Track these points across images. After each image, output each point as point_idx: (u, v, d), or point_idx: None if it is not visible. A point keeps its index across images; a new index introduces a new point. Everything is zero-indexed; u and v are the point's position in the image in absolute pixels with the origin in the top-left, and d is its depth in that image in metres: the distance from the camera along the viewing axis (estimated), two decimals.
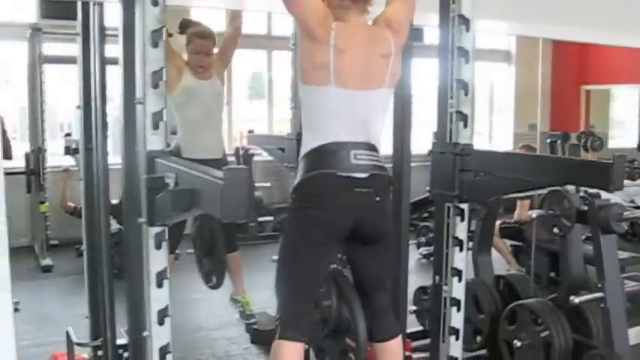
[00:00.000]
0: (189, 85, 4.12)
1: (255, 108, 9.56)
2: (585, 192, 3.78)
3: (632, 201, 7.55)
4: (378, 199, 2.51)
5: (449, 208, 2.88)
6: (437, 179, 2.90)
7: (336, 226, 2.49)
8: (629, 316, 4.05)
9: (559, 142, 6.95)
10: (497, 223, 6.06)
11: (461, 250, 2.86)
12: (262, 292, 4.45)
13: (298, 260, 2.53)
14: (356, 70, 2.43)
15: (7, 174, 1.80)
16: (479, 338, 3.88)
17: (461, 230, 2.87)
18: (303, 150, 2.52)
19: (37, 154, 6.69)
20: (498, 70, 11.27)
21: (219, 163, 3.97)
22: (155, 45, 2.10)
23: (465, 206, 2.86)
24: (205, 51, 4.20)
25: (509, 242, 6.09)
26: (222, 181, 1.59)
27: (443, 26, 2.87)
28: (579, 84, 11.12)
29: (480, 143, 10.98)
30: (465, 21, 2.79)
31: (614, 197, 7.02)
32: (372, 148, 2.51)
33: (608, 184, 2.14)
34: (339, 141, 2.44)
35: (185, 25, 4.25)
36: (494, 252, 5.88)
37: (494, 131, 11.50)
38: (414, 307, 4.06)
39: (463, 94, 2.81)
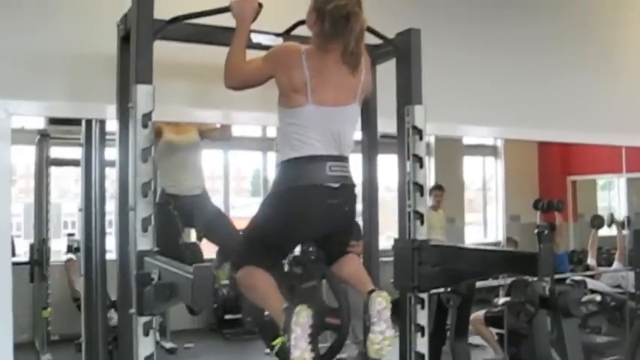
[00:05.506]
0: (169, 139, 4.56)
1: (256, 204, 9.91)
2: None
3: (619, 285, 7.71)
4: (347, 209, 2.75)
5: (410, 297, 3.12)
6: (399, 271, 3.16)
7: (306, 236, 2.76)
8: None
9: (546, 232, 7.21)
10: (483, 312, 6.28)
11: (422, 335, 3.08)
12: None
13: (263, 245, 2.72)
14: (330, 87, 2.64)
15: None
16: None
17: (422, 317, 3.09)
18: (282, 157, 2.70)
19: (41, 245, 6.97)
20: (488, 164, 11.64)
21: (199, 198, 4.58)
22: (145, 160, 2.44)
23: (424, 295, 3.10)
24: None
25: (495, 330, 6.25)
26: (192, 275, 1.93)
27: (400, 135, 3.19)
28: (565, 175, 11.40)
29: (476, 234, 11.25)
30: (418, 131, 3.10)
31: (599, 284, 7.29)
32: (344, 159, 2.73)
33: (536, 272, 2.44)
34: (317, 154, 2.64)
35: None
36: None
37: (487, 222, 11.76)
38: None
39: (419, 195, 3.10)
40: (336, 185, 2.67)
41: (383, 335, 2.57)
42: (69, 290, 6.96)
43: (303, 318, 2.43)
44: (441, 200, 8.27)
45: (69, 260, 6.99)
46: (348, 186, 2.74)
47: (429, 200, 7.50)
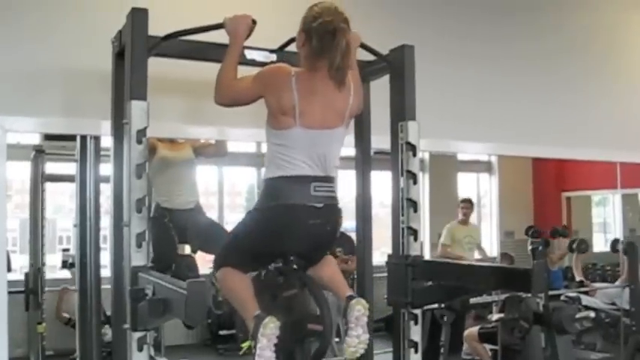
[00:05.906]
0: (163, 155, 4.56)
1: None
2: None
3: (613, 303, 7.69)
4: (328, 228, 2.74)
5: (403, 313, 3.12)
6: (392, 287, 3.16)
7: (286, 252, 2.75)
8: None
9: (540, 248, 7.20)
10: (477, 328, 6.28)
11: (416, 351, 3.08)
12: None
13: (242, 255, 2.75)
14: (318, 110, 2.65)
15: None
16: None
17: (415, 333, 3.09)
18: (268, 174, 2.71)
19: (36, 274, 6.94)
20: (482, 180, 11.66)
21: (192, 212, 4.58)
22: (139, 176, 2.46)
23: (418, 311, 3.09)
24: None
25: (489, 346, 6.25)
26: (185, 291, 1.94)
27: (393, 151, 3.20)
28: (560, 191, 11.40)
29: None
30: (412, 147, 3.11)
31: (594, 300, 7.27)
32: (329, 180, 2.73)
33: (529, 288, 2.45)
34: (302, 174, 2.64)
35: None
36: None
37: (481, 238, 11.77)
38: None
39: (413, 211, 3.10)
40: (320, 205, 2.68)
41: (359, 339, 2.69)
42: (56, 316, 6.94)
43: (269, 329, 2.51)
44: (469, 214, 7.90)
45: (63, 289, 6.98)
46: (331, 206, 2.74)
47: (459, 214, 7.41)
